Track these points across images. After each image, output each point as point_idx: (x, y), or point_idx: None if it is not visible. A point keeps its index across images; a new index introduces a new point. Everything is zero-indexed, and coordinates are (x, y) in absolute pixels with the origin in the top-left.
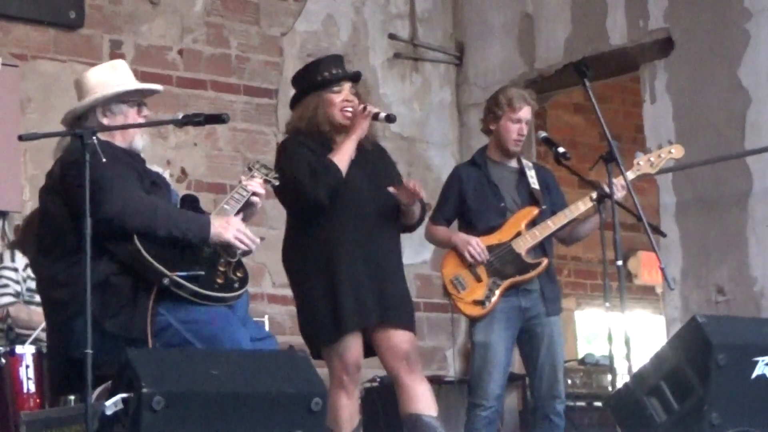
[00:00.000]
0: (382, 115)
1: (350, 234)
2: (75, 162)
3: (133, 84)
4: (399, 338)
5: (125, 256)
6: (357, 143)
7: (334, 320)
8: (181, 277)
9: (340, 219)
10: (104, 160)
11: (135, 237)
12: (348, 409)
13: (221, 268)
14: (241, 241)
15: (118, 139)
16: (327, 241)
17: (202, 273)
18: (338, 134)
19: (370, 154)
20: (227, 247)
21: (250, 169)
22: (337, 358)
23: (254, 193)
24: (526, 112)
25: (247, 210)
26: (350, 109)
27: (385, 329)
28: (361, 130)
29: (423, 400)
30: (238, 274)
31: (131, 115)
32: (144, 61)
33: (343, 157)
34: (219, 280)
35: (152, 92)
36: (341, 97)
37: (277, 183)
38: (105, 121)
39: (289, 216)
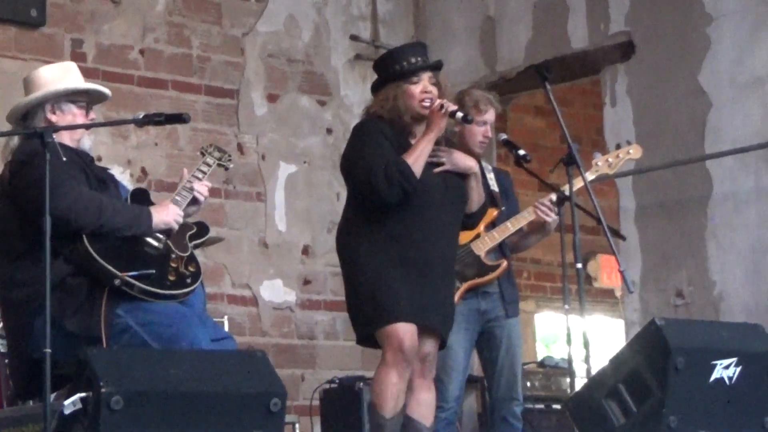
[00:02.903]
0: (459, 114)
1: (417, 232)
2: (22, 163)
3: (85, 83)
4: (429, 343)
5: (75, 258)
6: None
7: (391, 306)
8: (132, 276)
9: (408, 216)
10: (64, 158)
11: (84, 238)
12: (396, 387)
13: (173, 264)
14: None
15: (66, 139)
16: (391, 236)
17: (153, 272)
18: (418, 124)
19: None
20: (177, 242)
21: (203, 154)
22: (392, 336)
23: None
24: (491, 115)
25: (194, 202)
26: (428, 100)
27: (421, 332)
28: (438, 129)
29: (423, 408)
30: (191, 269)
31: (79, 116)
32: (105, 60)
33: (418, 158)
34: (171, 277)
35: (100, 98)
36: (420, 88)
37: (231, 166)
38: (53, 119)
39: (354, 199)
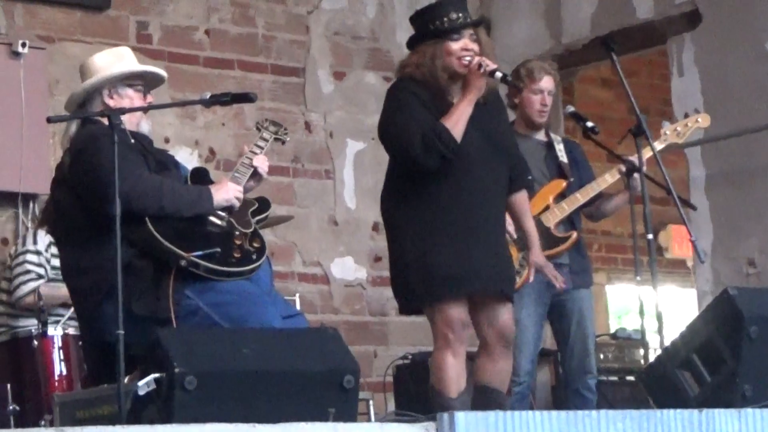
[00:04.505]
0: (498, 74)
1: (461, 196)
2: (83, 150)
3: (141, 66)
4: (503, 309)
5: (140, 241)
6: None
7: (439, 281)
8: (197, 256)
9: (451, 179)
10: (132, 141)
11: (147, 220)
12: (455, 368)
13: (237, 242)
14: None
15: (125, 123)
16: (435, 202)
17: (218, 250)
18: (455, 83)
19: (485, 108)
20: (240, 219)
21: (258, 129)
22: (441, 315)
23: (257, 169)
24: (547, 82)
25: (255, 176)
26: (468, 57)
27: (491, 298)
28: (477, 90)
29: (503, 376)
30: (255, 245)
31: (137, 100)
32: (170, 42)
33: (458, 122)
34: (236, 254)
35: (157, 81)
36: (460, 45)
37: (287, 139)
38: (111, 103)
39: (393, 165)
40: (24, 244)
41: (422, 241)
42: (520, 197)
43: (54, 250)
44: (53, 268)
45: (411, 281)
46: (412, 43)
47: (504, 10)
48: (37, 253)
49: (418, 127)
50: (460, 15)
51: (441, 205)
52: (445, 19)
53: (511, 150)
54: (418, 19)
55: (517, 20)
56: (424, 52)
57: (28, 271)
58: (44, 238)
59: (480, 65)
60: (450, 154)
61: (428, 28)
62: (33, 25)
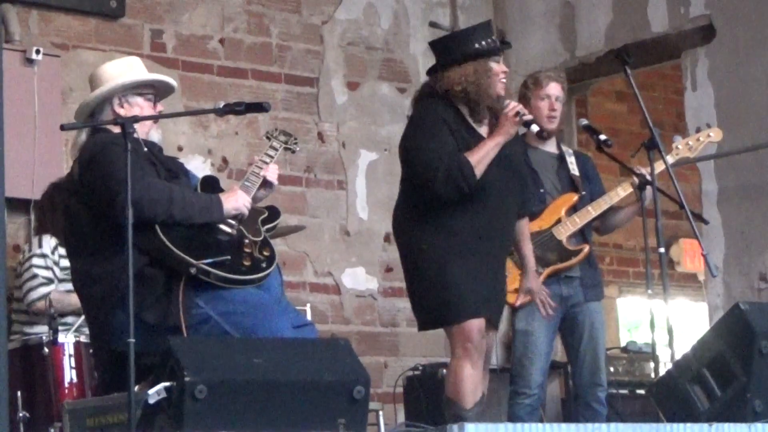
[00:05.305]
0: (535, 128)
1: (481, 223)
2: (93, 159)
3: (151, 75)
4: (491, 333)
5: (150, 249)
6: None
7: (460, 307)
8: (207, 264)
9: (471, 205)
10: (146, 149)
11: (157, 228)
12: (473, 379)
13: (247, 250)
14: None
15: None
16: (456, 226)
17: (228, 258)
18: (486, 104)
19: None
20: (250, 227)
21: (269, 138)
22: (459, 326)
23: (266, 178)
24: (554, 88)
25: (265, 185)
26: (505, 80)
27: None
28: (509, 137)
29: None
30: (265, 253)
31: (147, 109)
32: (185, 51)
33: (482, 160)
34: (246, 263)
35: (167, 91)
36: (501, 67)
37: (297, 149)
38: (121, 112)
39: (409, 184)
40: (30, 249)
41: (443, 266)
42: (522, 222)
43: (61, 251)
44: (62, 269)
45: (432, 302)
46: (443, 67)
47: (518, 23)
48: (43, 256)
49: (443, 158)
50: (496, 39)
51: (459, 229)
52: (489, 40)
53: (523, 176)
54: (452, 42)
55: (531, 33)
56: (466, 71)
57: (35, 276)
58: (49, 241)
59: (518, 113)
60: (468, 189)
61: (473, 48)
62: (47, 32)
